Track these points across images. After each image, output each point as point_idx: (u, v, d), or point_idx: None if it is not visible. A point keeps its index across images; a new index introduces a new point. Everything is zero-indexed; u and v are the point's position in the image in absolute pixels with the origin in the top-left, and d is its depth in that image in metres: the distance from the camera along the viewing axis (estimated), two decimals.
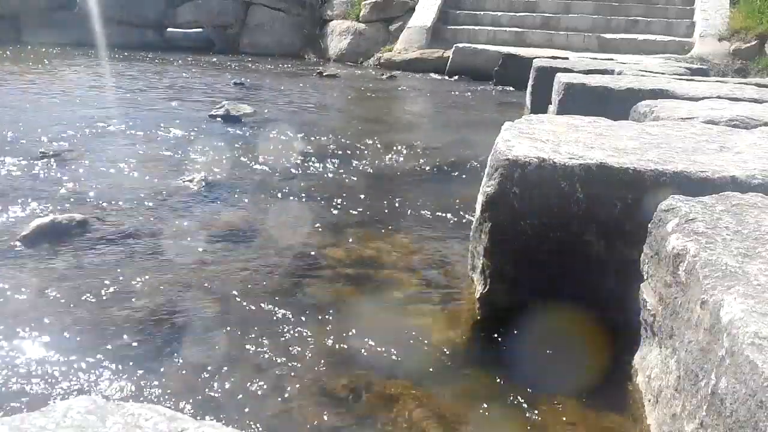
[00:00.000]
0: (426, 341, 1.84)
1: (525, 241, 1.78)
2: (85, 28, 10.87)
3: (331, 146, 4.32)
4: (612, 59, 6.95)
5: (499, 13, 10.59)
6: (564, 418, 1.51)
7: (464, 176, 3.71)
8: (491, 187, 1.80)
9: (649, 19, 10.01)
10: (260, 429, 1.44)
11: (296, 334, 1.85)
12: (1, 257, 2.30)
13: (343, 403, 1.54)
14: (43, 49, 9.91)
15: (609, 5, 10.38)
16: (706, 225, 1.25)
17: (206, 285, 2.15)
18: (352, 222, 2.87)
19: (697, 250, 1.16)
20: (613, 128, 2.18)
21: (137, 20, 11.72)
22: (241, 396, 1.56)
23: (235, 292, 2.10)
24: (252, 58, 10.64)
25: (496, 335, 1.85)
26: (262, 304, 2.02)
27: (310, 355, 1.75)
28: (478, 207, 1.93)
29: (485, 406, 1.55)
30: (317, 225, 2.78)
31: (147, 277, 2.18)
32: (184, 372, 1.65)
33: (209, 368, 1.66)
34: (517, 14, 10.50)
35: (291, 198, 3.19)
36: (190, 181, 3.30)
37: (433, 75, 9.31)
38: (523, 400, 1.56)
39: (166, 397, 1.54)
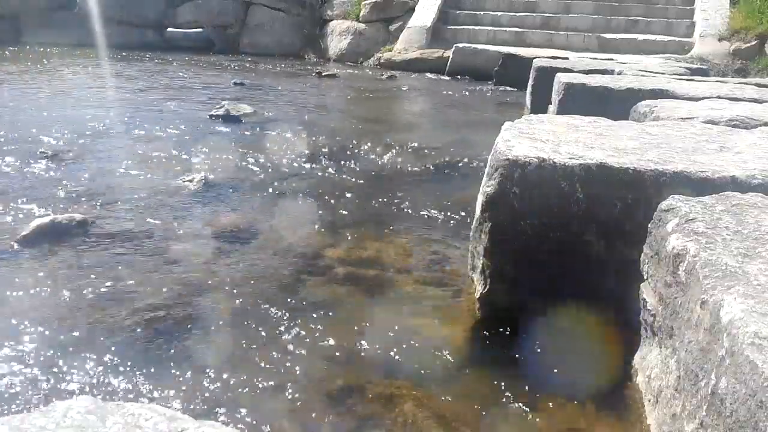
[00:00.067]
0: (426, 341, 1.84)
1: (525, 241, 1.78)
2: (85, 28, 10.87)
3: (332, 146, 4.32)
4: (612, 59, 6.95)
5: (499, 13, 10.59)
6: (564, 419, 1.50)
7: (464, 176, 3.71)
8: (491, 187, 1.80)
9: (649, 19, 10.01)
10: (260, 429, 1.44)
11: (296, 334, 1.85)
12: (1, 257, 2.30)
13: (342, 403, 1.54)
14: (43, 49, 9.91)
15: (609, 5, 10.38)
16: (706, 225, 1.25)
17: (206, 285, 2.15)
18: (352, 222, 2.87)
19: (697, 250, 1.16)
20: (613, 128, 2.18)
21: (137, 20, 11.71)
22: (240, 396, 1.56)
23: (234, 292, 2.10)
24: (252, 58, 10.64)
25: (496, 335, 1.85)
26: (262, 304, 2.02)
27: (309, 355, 1.74)
28: (478, 207, 1.93)
29: (485, 406, 1.55)
30: (317, 225, 2.78)
31: (147, 277, 2.19)
32: (183, 372, 1.64)
33: (209, 368, 1.66)
34: (517, 14, 10.50)
35: (291, 198, 3.19)
36: (190, 181, 3.30)
37: (433, 75, 9.31)
38: (523, 400, 1.56)
39: (166, 396, 1.54)
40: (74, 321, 1.88)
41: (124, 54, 10.00)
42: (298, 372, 1.66)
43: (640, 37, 9.57)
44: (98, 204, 2.92)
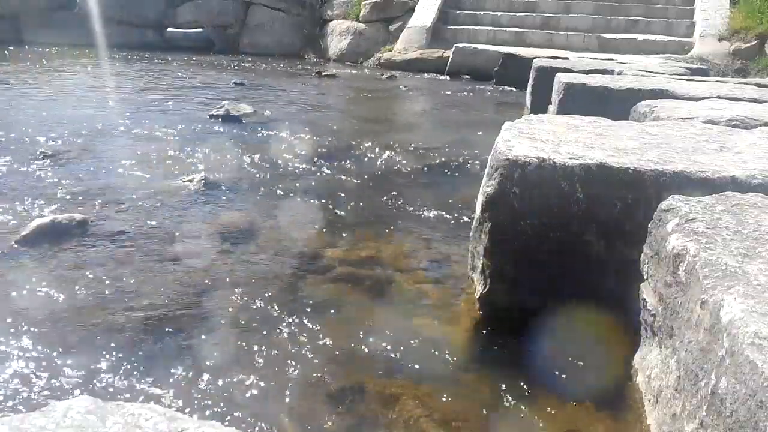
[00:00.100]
0: (426, 341, 1.84)
1: (525, 241, 1.78)
2: (85, 28, 10.87)
3: (332, 146, 4.32)
4: (612, 59, 6.95)
5: (499, 13, 10.59)
6: (564, 418, 1.50)
7: (464, 176, 3.71)
8: (491, 187, 1.80)
9: (649, 19, 10.01)
10: (260, 428, 1.44)
11: (296, 334, 1.85)
12: (1, 257, 2.30)
13: (342, 403, 1.54)
14: (43, 49, 9.91)
15: (609, 5, 10.38)
16: (706, 225, 1.25)
17: (206, 285, 2.15)
18: (352, 222, 2.87)
19: (697, 250, 1.16)
20: (613, 128, 2.18)
21: (137, 20, 11.71)
22: (240, 395, 1.56)
23: (234, 292, 2.10)
24: (252, 58, 10.64)
25: (495, 335, 1.85)
26: (262, 304, 2.02)
27: (309, 354, 1.75)
28: (478, 207, 1.93)
29: (485, 406, 1.55)
30: (317, 225, 2.78)
31: (146, 277, 2.19)
32: (183, 371, 1.65)
33: (209, 368, 1.66)
34: (517, 14, 10.50)
35: (291, 198, 3.19)
36: (190, 180, 3.30)
37: (433, 75, 9.31)
38: (523, 400, 1.56)
39: (166, 396, 1.54)
40: (74, 321, 1.88)
41: (124, 54, 10.00)
42: (298, 372, 1.66)
43: (640, 37, 9.57)
44: (98, 204, 2.92)
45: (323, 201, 3.13)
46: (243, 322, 1.91)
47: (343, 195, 3.24)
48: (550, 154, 1.74)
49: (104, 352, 1.71)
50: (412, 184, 3.59)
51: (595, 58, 7.13)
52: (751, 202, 1.38)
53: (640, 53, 8.73)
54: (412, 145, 4.41)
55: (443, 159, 4.10)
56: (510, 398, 1.57)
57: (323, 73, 8.72)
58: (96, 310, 1.95)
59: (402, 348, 1.80)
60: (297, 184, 3.43)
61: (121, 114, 5.14)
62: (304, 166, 3.80)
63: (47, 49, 9.93)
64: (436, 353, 1.78)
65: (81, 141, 4.13)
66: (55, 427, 0.79)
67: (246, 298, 2.06)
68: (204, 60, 9.89)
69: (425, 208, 3.04)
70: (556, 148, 1.81)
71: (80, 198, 2.99)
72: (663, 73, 4.62)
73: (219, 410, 1.50)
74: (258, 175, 3.55)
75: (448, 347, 1.82)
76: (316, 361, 1.71)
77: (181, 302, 2.02)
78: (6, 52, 9.50)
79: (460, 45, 9.48)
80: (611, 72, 4.42)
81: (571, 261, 1.76)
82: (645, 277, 1.42)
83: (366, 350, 1.78)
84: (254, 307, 2.01)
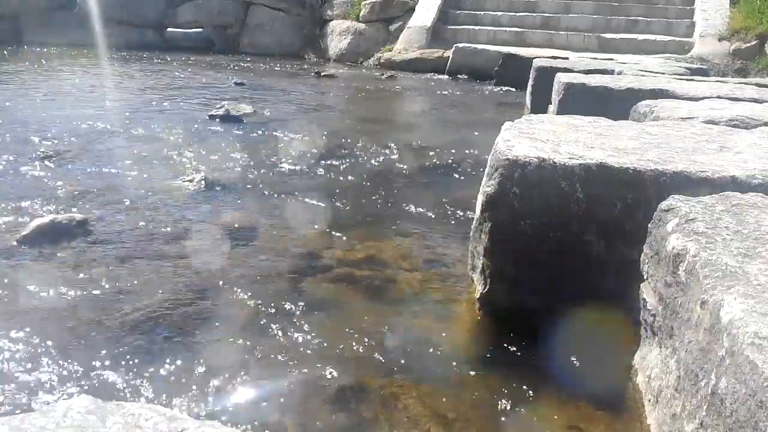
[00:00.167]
0: (426, 341, 1.84)
1: (525, 241, 1.78)
2: (85, 28, 10.87)
3: (331, 146, 4.32)
4: (612, 59, 6.95)
5: (499, 13, 10.59)
6: (564, 418, 1.50)
7: (464, 176, 3.72)
8: (491, 187, 1.80)
9: (649, 19, 10.01)
10: (259, 428, 1.44)
11: (296, 334, 1.85)
12: (1, 257, 2.30)
13: (342, 403, 1.54)
14: (43, 49, 9.91)
15: (609, 5, 10.38)
16: (706, 225, 1.25)
17: (206, 285, 2.15)
18: (352, 222, 2.87)
19: (697, 250, 1.16)
20: (613, 128, 2.18)
21: (137, 20, 11.71)
22: (240, 395, 1.56)
23: (234, 292, 2.10)
24: (252, 58, 10.64)
25: (495, 335, 1.85)
26: (262, 304, 2.02)
27: (309, 354, 1.74)
28: (478, 207, 1.93)
29: (486, 405, 1.55)
30: (317, 225, 2.78)
31: (146, 276, 2.19)
32: (184, 371, 1.65)
33: (209, 367, 1.66)
34: (517, 14, 10.50)
35: (291, 198, 3.19)
36: (190, 181, 3.30)
37: (433, 75, 9.31)
38: (522, 400, 1.56)
39: (166, 395, 1.54)
40: (74, 320, 1.88)
41: (123, 54, 10.00)
42: (297, 371, 1.66)
43: (640, 37, 9.57)
44: (98, 204, 2.92)
45: (323, 201, 3.13)
46: (243, 322, 1.91)
47: (343, 195, 3.24)
48: (550, 154, 1.74)
49: (104, 352, 1.71)
50: (412, 183, 3.59)
51: (595, 58, 7.13)
52: (751, 202, 1.38)
53: (640, 53, 8.73)
54: (412, 145, 4.41)
55: (443, 159, 4.10)
56: (510, 398, 1.57)
57: (323, 73, 8.72)
58: (96, 310, 1.95)
59: (402, 348, 1.80)
60: (297, 184, 3.43)
61: (121, 114, 5.14)
62: (304, 166, 3.80)
63: (47, 49, 9.93)
64: (436, 353, 1.78)
65: (81, 141, 4.13)
66: (55, 427, 0.79)
67: (246, 298, 2.06)
68: (204, 60, 9.89)
69: (425, 208, 3.04)
70: (556, 148, 1.81)
71: (80, 198, 2.99)
72: (663, 73, 4.62)
73: (218, 409, 1.50)
74: (258, 175, 3.55)
75: (448, 347, 1.82)
76: (316, 360, 1.71)
77: (180, 302, 2.02)
78: (5, 52, 9.50)
79: (460, 45, 9.48)
80: (611, 72, 4.42)
81: (571, 261, 1.76)
82: (645, 277, 1.42)
83: (366, 350, 1.78)
84: (254, 306, 2.01)
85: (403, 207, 3.07)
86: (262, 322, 1.91)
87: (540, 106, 4.40)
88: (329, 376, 1.65)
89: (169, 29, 12.06)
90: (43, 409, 0.83)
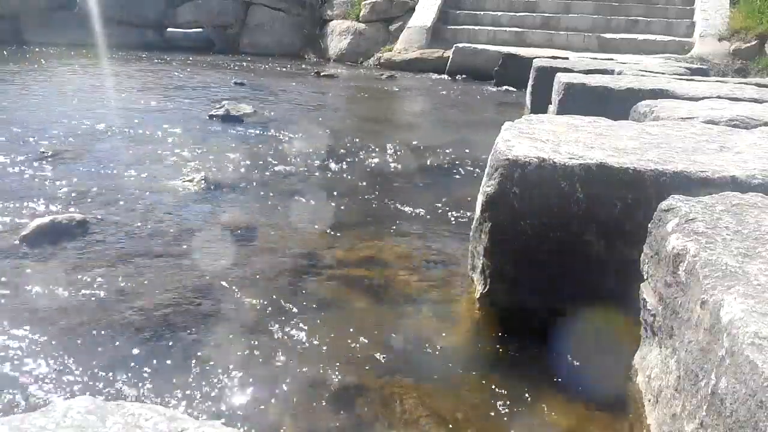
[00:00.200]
0: (426, 341, 1.84)
1: (525, 241, 1.78)
2: (85, 28, 10.87)
3: (331, 146, 4.32)
4: (612, 59, 6.95)
5: (499, 13, 10.59)
6: (563, 418, 1.50)
7: (464, 176, 3.72)
8: (491, 187, 1.80)
9: (649, 19, 10.01)
10: (259, 428, 1.44)
11: (296, 334, 1.85)
12: (1, 257, 2.30)
13: (342, 403, 1.54)
14: (43, 49, 9.91)
15: (609, 5, 10.38)
16: (706, 225, 1.25)
17: (206, 285, 2.15)
18: (352, 222, 2.87)
19: (697, 250, 1.16)
20: (613, 128, 2.18)
21: (137, 20, 11.71)
22: (240, 395, 1.56)
23: (234, 292, 2.10)
24: (252, 58, 10.64)
25: (495, 335, 1.85)
26: (262, 304, 2.02)
27: (309, 354, 1.74)
28: (478, 207, 1.93)
29: (485, 405, 1.55)
30: (317, 225, 2.78)
31: (146, 276, 2.19)
32: (183, 371, 1.64)
33: (208, 367, 1.66)
34: (517, 14, 10.50)
35: (291, 198, 3.19)
36: (190, 181, 3.30)
37: (433, 75, 9.31)
38: (523, 399, 1.57)
39: (166, 395, 1.54)
40: (74, 320, 1.88)
41: (124, 54, 10.00)
42: (297, 371, 1.66)
43: (640, 37, 9.57)
44: (98, 204, 2.92)
45: (323, 201, 3.13)
46: (243, 322, 1.91)
47: (343, 195, 3.24)
48: (550, 154, 1.74)
49: (104, 352, 1.71)
50: (412, 183, 3.59)
51: (595, 58, 7.13)
52: (751, 202, 1.38)
53: (640, 53, 8.73)
54: (412, 145, 4.41)
55: (443, 159, 4.10)
56: (510, 398, 1.57)
57: (323, 73, 8.72)
58: (95, 310, 1.95)
59: (402, 348, 1.80)
60: (297, 184, 3.43)
61: (121, 114, 5.14)
62: (304, 166, 3.80)
63: (47, 49, 9.93)
64: (436, 353, 1.78)
65: (81, 141, 4.13)
66: (55, 427, 0.79)
67: (246, 298, 2.06)
68: (204, 60, 9.89)
69: (425, 208, 3.04)
70: (556, 148, 1.81)
71: (80, 198, 2.99)
72: (663, 73, 4.62)
73: (218, 409, 1.50)
74: (258, 175, 3.55)
75: (448, 347, 1.82)
76: (316, 360, 1.71)
77: (180, 302, 2.02)
78: (5, 52, 9.49)
79: (460, 45, 9.48)
80: (611, 72, 4.42)
81: (571, 261, 1.76)
82: (645, 277, 1.42)
83: (366, 350, 1.78)
84: (254, 306, 2.01)
85: (403, 207, 3.07)
86: (262, 322, 1.91)
87: (540, 106, 4.40)
88: (329, 376, 1.65)
89: (169, 29, 12.05)
90: (43, 409, 0.83)
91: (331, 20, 11.52)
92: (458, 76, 9.03)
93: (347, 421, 1.48)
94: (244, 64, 9.78)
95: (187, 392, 1.56)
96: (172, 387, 1.58)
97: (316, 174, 3.66)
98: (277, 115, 5.43)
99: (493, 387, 1.62)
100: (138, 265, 2.28)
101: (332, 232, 2.69)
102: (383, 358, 1.74)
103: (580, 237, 1.73)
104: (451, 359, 1.76)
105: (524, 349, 1.79)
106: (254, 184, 3.40)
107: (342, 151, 4.20)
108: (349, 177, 3.61)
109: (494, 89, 7.89)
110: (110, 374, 1.62)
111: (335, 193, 3.27)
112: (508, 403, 1.56)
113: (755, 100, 3.08)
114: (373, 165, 3.91)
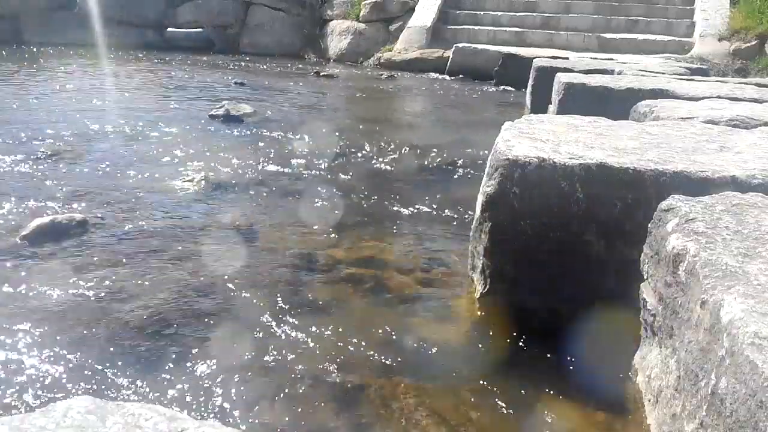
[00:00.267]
0: (426, 341, 1.84)
1: (525, 241, 1.78)
2: (85, 28, 10.87)
3: (331, 146, 4.32)
4: (612, 59, 6.95)
5: (499, 13, 10.59)
6: (563, 418, 1.50)
7: (464, 176, 3.72)
8: (491, 187, 1.80)
9: (649, 19, 10.01)
10: (259, 428, 1.44)
11: (296, 334, 1.85)
12: (1, 257, 2.30)
13: (342, 402, 1.54)
14: (43, 49, 9.91)
15: (609, 5, 10.39)
16: (706, 225, 1.25)
17: (206, 285, 2.15)
18: (352, 222, 2.87)
19: (697, 249, 1.16)
20: (613, 128, 2.18)
21: (137, 20, 11.71)
22: (239, 395, 1.56)
23: (234, 292, 2.10)
24: (252, 58, 10.64)
25: (495, 335, 1.85)
26: (262, 304, 2.02)
27: (309, 355, 1.74)
28: (478, 207, 1.93)
29: (485, 405, 1.55)
30: (317, 225, 2.78)
31: (146, 276, 2.18)
32: (183, 371, 1.64)
33: (209, 368, 1.66)
34: (517, 14, 10.50)
35: (291, 198, 3.19)
36: (191, 180, 3.30)
37: (433, 75, 9.31)
38: (522, 399, 1.56)
39: (166, 395, 1.54)
40: (74, 320, 1.88)
41: (124, 54, 10.00)
42: (297, 371, 1.66)
43: (640, 37, 9.58)
44: (98, 204, 2.92)
45: (323, 201, 3.13)
46: (243, 322, 1.91)
47: (343, 195, 3.24)
48: (550, 154, 1.74)
49: (104, 352, 1.71)
50: (412, 183, 3.59)
51: (595, 58, 7.13)
52: (751, 202, 1.38)
53: (640, 53, 8.73)
54: (412, 145, 4.41)
55: (443, 159, 4.10)
56: (510, 397, 1.57)
57: (323, 73, 8.72)
58: (95, 310, 1.94)
59: (402, 348, 1.80)
60: (297, 184, 3.43)
61: (121, 114, 5.14)
62: (304, 166, 3.80)
63: (47, 49, 9.93)
64: (436, 353, 1.78)
65: (81, 141, 4.13)
66: (55, 427, 0.79)
67: (246, 298, 2.06)
68: (204, 60, 9.89)
69: (425, 208, 3.04)
70: (556, 148, 1.81)
71: (80, 198, 2.99)
72: (663, 73, 4.62)
73: (218, 409, 1.50)
74: (258, 175, 3.55)
75: (448, 347, 1.82)
76: (316, 360, 1.71)
77: (181, 302, 2.02)
78: (3, 52, 9.49)
79: (460, 45, 9.48)
80: (611, 72, 4.42)
81: (571, 261, 1.76)
82: (645, 277, 1.42)
83: (366, 350, 1.78)
84: (254, 306, 2.00)
85: (403, 207, 3.07)
86: (261, 322, 1.91)
87: (540, 106, 4.40)
88: (329, 376, 1.65)
89: (169, 29, 12.05)
90: (43, 409, 0.83)
91: (331, 20, 11.53)
92: (458, 76, 9.03)
93: (347, 421, 1.48)
94: (244, 64, 9.78)
95: (187, 392, 1.56)
96: (172, 386, 1.58)
97: (316, 174, 3.66)
98: (277, 115, 5.43)
99: (493, 387, 1.62)
100: (138, 265, 2.28)
101: (332, 232, 2.69)
102: (383, 357, 1.74)
103: (580, 237, 1.73)
104: (451, 359, 1.76)
105: (524, 348, 1.79)
106: (254, 183, 3.40)
107: (342, 151, 4.20)
108: (348, 177, 3.61)
109: (494, 89, 7.89)
110: (110, 374, 1.62)
111: (335, 193, 3.26)
112: (508, 403, 1.55)
113: (755, 100, 3.08)
114: (373, 165, 3.91)
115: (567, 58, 6.40)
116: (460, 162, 4.00)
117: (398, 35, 10.58)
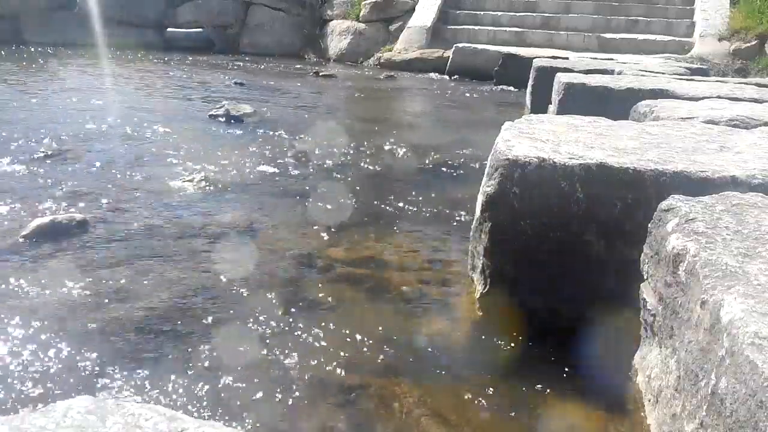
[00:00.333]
0: (426, 341, 1.84)
1: (525, 241, 1.78)
2: (85, 28, 10.87)
3: (331, 146, 4.32)
4: (612, 59, 6.96)
5: (499, 13, 10.59)
6: (563, 418, 1.50)
7: (464, 176, 3.71)
8: (491, 187, 1.80)
9: (649, 19, 10.02)
10: (259, 429, 1.44)
11: (296, 334, 1.85)
12: (2, 257, 2.30)
13: (342, 402, 1.54)
14: (43, 49, 9.91)
15: (609, 5, 10.39)
16: (706, 225, 1.25)
17: (206, 285, 2.15)
18: (352, 222, 2.87)
19: (697, 250, 1.16)
20: (613, 128, 2.18)
21: (137, 20, 11.71)
22: (239, 395, 1.56)
23: (234, 292, 2.10)
24: (252, 58, 10.64)
25: (495, 335, 1.85)
26: (262, 304, 2.02)
27: (309, 355, 1.74)
28: (478, 207, 1.93)
29: (485, 405, 1.55)
30: (317, 225, 2.78)
31: (146, 276, 2.18)
32: (183, 371, 1.64)
33: (208, 367, 1.66)
34: (517, 14, 10.50)
35: (291, 198, 3.19)
36: (190, 180, 3.30)
37: (433, 75, 9.31)
38: (522, 399, 1.56)
39: (166, 395, 1.54)
40: (73, 320, 1.88)
41: (124, 54, 10.00)
42: (297, 371, 1.66)
43: (640, 37, 9.58)
44: (98, 204, 2.92)
45: (323, 201, 3.13)
46: (243, 322, 1.91)
47: (343, 194, 3.24)
48: (550, 154, 1.74)
49: (104, 352, 1.71)
50: (412, 183, 3.59)
51: (595, 58, 7.13)
52: (751, 202, 1.38)
53: (640, 53, 8.74)
54: (412, 145, 4.41)
55: (443, 159, 4.10)
56: (510, 397, 1.57)
57: (323, 73, 8.72)
58: (96, 310, 1.94)
59: (402, 348, 1.80)
60: (297, 184, 3.43)
61: (121, 114, 5.14)
62: (303, 166, 3.80)
63: (47, 49, 9.92)
64: (436, 353, 1.78)
65: (81, 141, 4.13)
66: (55, 427, 0.79)
67: (246, 298, 2.06)
68: (204, 60, 9.89)
69: (425, 208, 3.04)
70: (556, 148, 1.81)
71: (80, 198, 2.99)
72: (663, 73, 4.62)
73: (218, 409, 1.50)
74: (258, 175, 3.55)
75: (448, 347, 1.82)
76: (315, 360, 1.71)
77: (180, 302, 2.02)
78: (3, 52, 9.49)
79: (460, 45, 9.48)
80: (611, 72, 4.42)
81: (571, 261, 1.76)
82: (645, 277, 1.42)
83: (366, 350, 1.78)
84: (254, 306, 2.00)
85: (403, 207, 3.07)
86: (261, 322, 1.91)
87: (540, 106, 4.40)
88: (329, 376, 1.65)
89: (169, 29, 12.05)
90: (43, 409, 0.83)
91: (331, 20, 11.53)
92: (458, 77, 9.03)
93: (347, 421, 1.48)
94: (244, 64, 9.78)
95: (187, 391, 1.56)
96: (172, 386, 1.58)
97: (316, 174, 3.66)
98: (277, 115, 5.43)
99: (493, 387, 1.62)
100: (138, 265, 2.28)
101: (332, 232, 2.69)
102: (383, 357, 1.74)
103: (580, 237, 1.73)
104: (451, 359, 1.76)
105: (524, 348, 1.79)
106: (254, 183, 3.40)
107: (341, 151, 4.20)
108: (348, 177, 3.61)
109: (494, 89, 7.89)
110: (110, 374, 1.62)
111: (335, 192, 3.26)
112: (508, 403, 1.55)
113: (755, 100, 3.08)
114: (372, 165, 3.91)
115: (567, 58, 6.40)
116: (460, 162, 4.00)
117: (398, 35, 10.58)
